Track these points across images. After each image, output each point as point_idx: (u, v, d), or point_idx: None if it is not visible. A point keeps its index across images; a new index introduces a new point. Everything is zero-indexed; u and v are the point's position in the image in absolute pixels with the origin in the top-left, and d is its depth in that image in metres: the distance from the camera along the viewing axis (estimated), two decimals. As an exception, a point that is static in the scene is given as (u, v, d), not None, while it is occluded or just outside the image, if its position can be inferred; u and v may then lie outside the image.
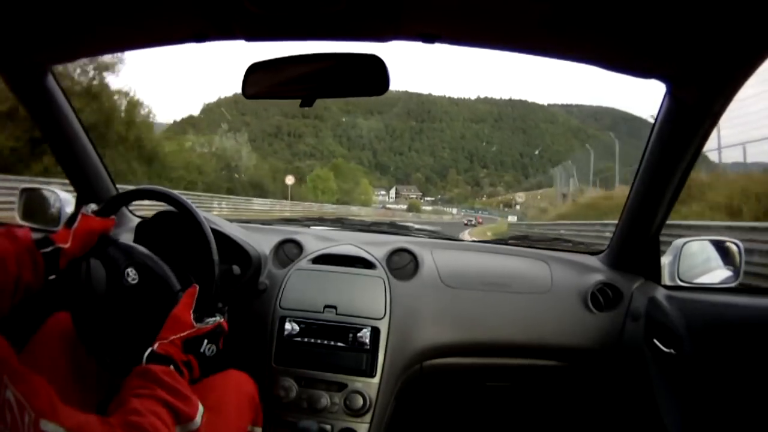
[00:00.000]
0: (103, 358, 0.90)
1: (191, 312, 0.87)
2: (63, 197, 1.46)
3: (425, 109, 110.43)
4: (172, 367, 0.78)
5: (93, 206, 0.94)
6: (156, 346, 0.80)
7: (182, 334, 0.84)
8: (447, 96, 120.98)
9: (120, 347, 0.90)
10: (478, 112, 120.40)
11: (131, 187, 1.07)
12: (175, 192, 1.01)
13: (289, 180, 27.94)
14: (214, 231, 1.02)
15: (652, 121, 1.07)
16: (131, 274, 0.91)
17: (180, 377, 0.78)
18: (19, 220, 1.47)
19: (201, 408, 0.76)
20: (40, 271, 0.81)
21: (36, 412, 0.49)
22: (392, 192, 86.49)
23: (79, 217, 0.91)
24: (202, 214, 1.00)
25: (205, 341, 0.86)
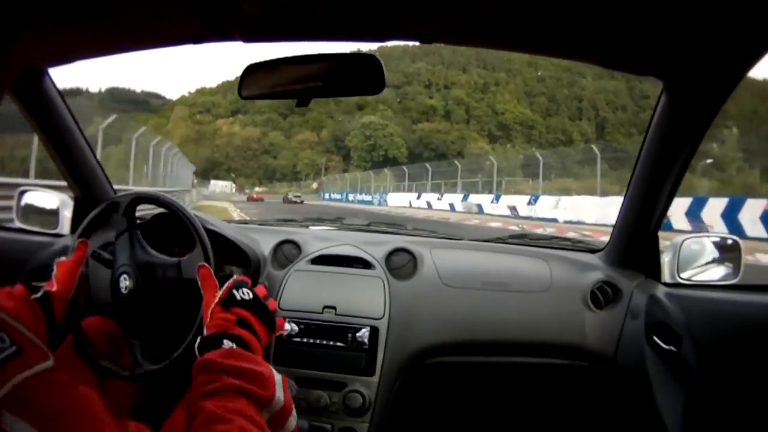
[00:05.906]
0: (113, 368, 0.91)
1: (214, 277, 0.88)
2: (61, 199, 1.45)
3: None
4: (226, 342, 0.72)
5: (63, 258, 0.94)
6: (204, 333, 0.77)
7: (215, 301, 0.80)
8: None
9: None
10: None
11: (127, 190, 1.07)
12: (168, 196, 1.01)
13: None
14: (212, 232, 1.02)
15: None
16: (127, 281, 0.92)
17: (241, 350, 0.72)
18: (17, 222, 1.46)
19: (277, 378, 0.70)
20: (41, 316, 0.85)
21: None
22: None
23: (54, 266, 0.91)
24: (196, 215, 1.00)
25: (234, 291, 0.81)
